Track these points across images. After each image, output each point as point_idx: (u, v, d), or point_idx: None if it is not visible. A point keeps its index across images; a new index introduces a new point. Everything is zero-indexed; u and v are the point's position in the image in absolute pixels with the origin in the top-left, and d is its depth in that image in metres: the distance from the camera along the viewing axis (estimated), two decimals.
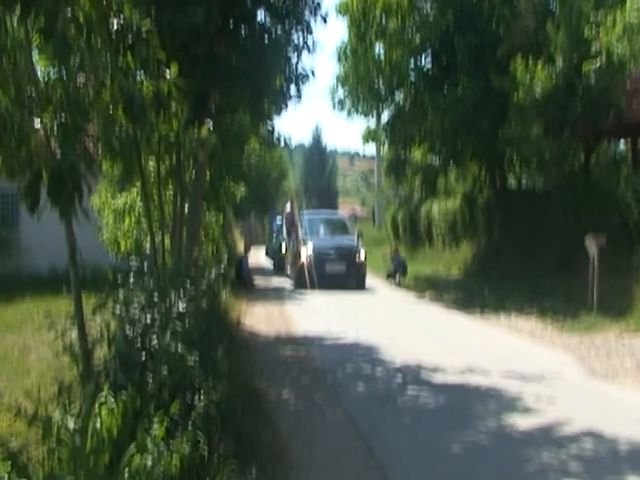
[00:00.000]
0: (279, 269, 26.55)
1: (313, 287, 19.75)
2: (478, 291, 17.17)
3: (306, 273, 20.47)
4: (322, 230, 23.28)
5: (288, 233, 24.43)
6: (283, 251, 26.12)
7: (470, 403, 7.74)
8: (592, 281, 13.50)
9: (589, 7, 15.53)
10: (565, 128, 16.26)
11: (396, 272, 22.49)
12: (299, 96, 11.32)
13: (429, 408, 7.64)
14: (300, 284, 20.48)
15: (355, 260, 21.20)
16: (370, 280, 22.09)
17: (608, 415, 7.13)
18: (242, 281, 19.46)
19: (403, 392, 8.28)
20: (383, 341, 11.37)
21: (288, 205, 25.87)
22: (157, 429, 4.00)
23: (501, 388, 8.25)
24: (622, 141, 21.75)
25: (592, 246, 13.62)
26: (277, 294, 19.55)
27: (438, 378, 8.89)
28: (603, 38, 14.76)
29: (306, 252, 21.03)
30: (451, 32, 19.04)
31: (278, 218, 32.26)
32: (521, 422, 6.89)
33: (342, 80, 21.47)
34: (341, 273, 20.88)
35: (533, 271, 16.87)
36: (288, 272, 23.75)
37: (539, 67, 15.61)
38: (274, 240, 30.80)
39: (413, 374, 9.13)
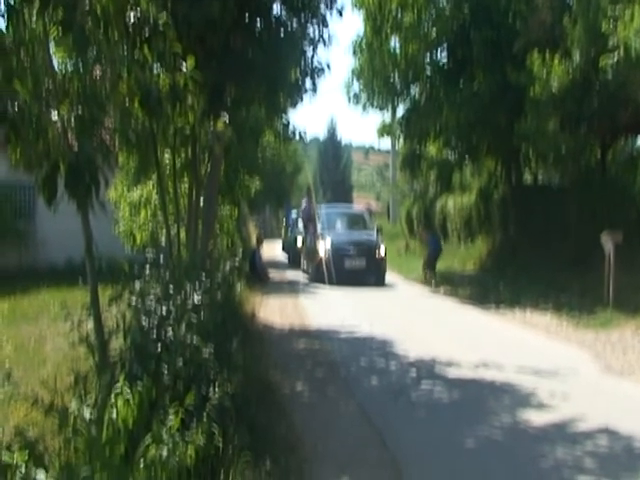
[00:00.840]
0: (294, 263, 26.10)
1: (331, 282, 19.24)
2: (493, 286, 17.12)
3: (324, 269, 19.79)
4: (340, 224, 22.70)
5: (305, 227, 23.22)
6: (299, 245, 25.50)
7: (484, 398, 7.73)
8: (608, 277, 13.43)
9: (606, 1, 15.39)
10: (582, 123, 16.15)
11: (436, 260, 20.88)
12: (314, 90, 11.33)
13: (443, 403, 7.63)
14: (317, 279, 19.96)
15: (375, 256, 20.29)
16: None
17: (623, 412, 7.09)
18: (256, 274, 19.49)
19: (417, 386, 8.28)
20: (397, 335, 11.37)
21: (305, 199, 24.63)
22: (172, 420, 4.03)
23: (515, 383, 8.23)
24: (639, 137, 21.57)
25: (608, 242, 13.55)
26: (291, 287, 19.56)
27: (452, 372, 8.88)
28: (621, 32, 14.62)
29: (324, 247, 20.30)
30: (467, 26, 18.93)
31: (293, 212, 31.70)
32: (535, 418, 6.87)
33: (357, 74, 21.39)
34: (361, 269, 20.08)
35: (549, 267, 16.79)
36: (304, 267, 23.03)
37: (556, 62, 15.49)
38: (289, 234, 30.35)
39: (427, 368, 9.12)
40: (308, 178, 44.54)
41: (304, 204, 24.24)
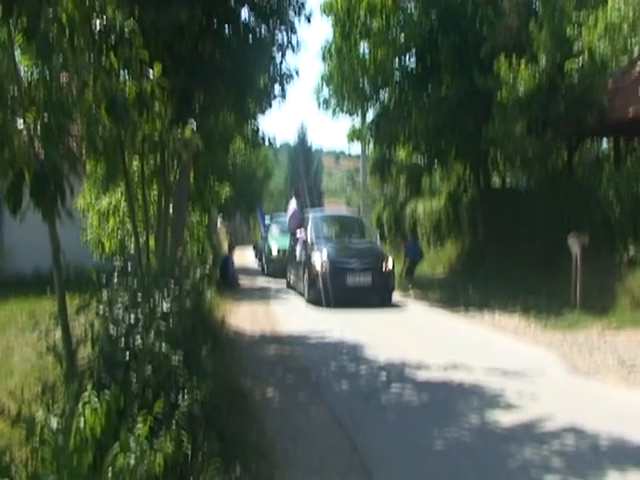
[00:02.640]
0: (268, 272, 24.84)
1: (329, 304, 15.51)
2: (462, 289, 17.25)
3: (321, 286, 16.02)
4: (335, 232, 18.96)
5: (293, 235, 19.71)
6: (274, 254, 24.41)
7: (453, 400, 7.79)
8: (575, 279, 13.60)
9: (571, 7, 15.65)
10: (548, 127, 16.35)
11: (415, 266, 20.02)
12: (283, 96, 11.37)
13: (412, 405, 7.69)
14: (315, 299, 16.24)
15: (382, 269, 16.57)
16: None
17: (590, 411, 7.20)
18: (226, 280, 19.46)
19: (387, 390, 8.32)
20: (367, 340, 11.41)
21: (293, 200, 20.51)
22: (141, 428, 4.02)
23: (484, 385, 8.31)
24: (605, 140, 21.89)
25: (575, 244, 13.72)
26: (263, 294, 19.52)
27: (422, 375, 8.94)
28: (585, 37, 14.88)
29: (320, 260, 16.38)
30: (435, 32, 19.10)
31: (267, 217, 30.87)
32: (503, 418, 6.95)
33: (327, 79, 21.48)
34: (366, 286, 16.30)
35: (517, 269, 16.97)
36: (292, 281, 19.56)
37: (522, 66, 15.69)
38: (262, 241, 28.58)
39: (397, 372, 9.17)
40: (289, 180, 43.53)
41: (292, 207, 20.15)
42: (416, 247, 21.14)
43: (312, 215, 19.44)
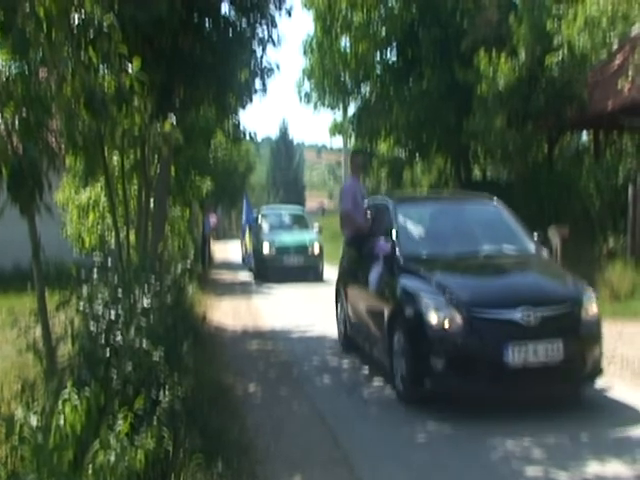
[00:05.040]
0: (261, 277, 20.87)
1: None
2: None
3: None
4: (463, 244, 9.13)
5: (352, 242, 9.96)
6: (265, 252, 20.79)
7: None
8: None
9: (551, 0, 15.74)
10: (528, 120, 16.44)
11: None
12: (264, 90, 11.32)
13: (395, 398, 7.70)
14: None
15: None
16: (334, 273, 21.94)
17: None
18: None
19: (369, 384, 8.33)
20: None
21: (350, 181, 10.88)
22: (121, 425, 4.00)
23: None
24: (584, 133, 22.03)
25: (555, 236, 13.80)
26: (244, 288, 19.48)
27: None
28: (565, 31, 14.98)
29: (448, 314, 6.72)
30: (416, 25, 19.18)
31: (254, 211, 25.65)
32: None
33: (308, 73, 21.51)
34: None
35: None
36: (356, 333, 9.62)
37: (502, 60, 15.77)
38: (251, 239, 23.43)
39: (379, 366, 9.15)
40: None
41: (349, 188, 10.31)
42: None
43: (403, 208, 9.05)
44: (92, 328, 5.30)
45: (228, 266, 26.39)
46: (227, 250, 34.63)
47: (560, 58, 15.34)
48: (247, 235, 24.49)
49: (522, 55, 15.86)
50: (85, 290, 5.89)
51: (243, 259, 26.27)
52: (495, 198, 9.91)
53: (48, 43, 4.89)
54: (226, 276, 21.92)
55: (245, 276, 22.93)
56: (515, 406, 6.81)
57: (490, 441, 5.99)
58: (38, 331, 5.09)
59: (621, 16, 14.36)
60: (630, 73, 14.23)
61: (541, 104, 15.97)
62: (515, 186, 18.60)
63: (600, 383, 7.35)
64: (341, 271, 10.83)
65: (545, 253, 8.99)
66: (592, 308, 7.25)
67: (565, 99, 15.84)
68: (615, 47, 15.89)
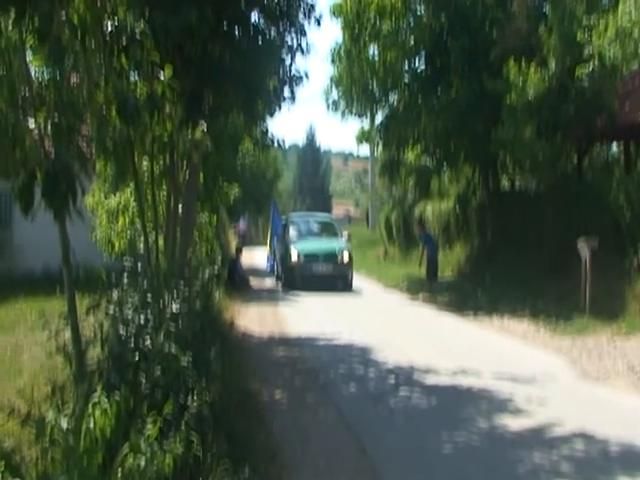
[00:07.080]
0: (289, 286, 20.53)
1: None
2: (471, 293, 17.19)
3: None
4: None
5: None
6: (293, 259, 20.58)
7: (462, 404, 7.77)
8: (584, 283, 13.54)
9: (581, 11, 15.59)
10: (558, 131, 16.29)
11: (435, 266, 19.78)
12: (293, 98, 11.36)
13: (421, 409, 7.67)
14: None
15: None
16: (362, 282, 22.03)
17: (599, 417, 7.17)
18: (234, 282, 19.45)
19: (396, 393, 8.30)
20: (376, 343, 11.39)
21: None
22: (150, 429, 4.02)
23: (493, 390, 8.28)
24: (615, 144, 21.82)
25: (584, 249, 13.67)
26: (270, 295, 19.52)
27: (431, 379, 8.92)
28: (595, 42, 14.83)
29: None
30: (445, 34, 19.08)
31: (283, 218, 25.58)
32: (513, 423, 6.92)
33: (336, 81, 21.52)
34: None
35: (526, 273, 16.89)
36: None
37: (532, 70, 15.65)
38: (278, 246, 23.56)
39: (406, 375, 9.15)
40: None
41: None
42: (431, 237, 21.19)
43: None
44: (121, 332, 5.32)
45: (255, 273, 26.39)
46: (253, 257, 34.66)
47: (590, 69, 15.19)
48: (275, 243, 24.67)
49: (552, 65, 15.72)
50: (115, 294, 5.93)
51: (272, 268, 25.61)
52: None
53: (82, 50, 4.94)
54: (252, 282, 21.94)
55: (272, 283, 23.00)
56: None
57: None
58: (68, 334, 5.13)
59: None
60: None
61: (571, 114, 15.82)
62: (544, 197, 18.44)
63: None
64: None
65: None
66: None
67: (595, 110, 15.68)
68: None
